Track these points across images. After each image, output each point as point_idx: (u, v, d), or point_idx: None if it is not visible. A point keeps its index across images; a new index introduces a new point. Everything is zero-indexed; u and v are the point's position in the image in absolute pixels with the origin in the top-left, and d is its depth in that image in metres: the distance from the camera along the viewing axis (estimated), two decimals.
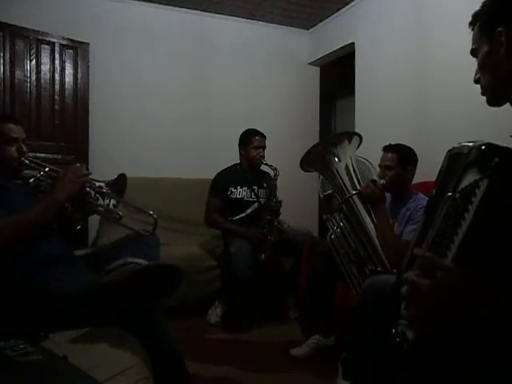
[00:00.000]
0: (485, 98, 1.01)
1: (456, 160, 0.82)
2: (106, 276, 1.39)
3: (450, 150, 0.89)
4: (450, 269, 0.73)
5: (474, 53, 1.00)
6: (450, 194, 0.77)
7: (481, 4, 0.98)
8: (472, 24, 1.00)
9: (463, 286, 0.71)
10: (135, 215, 1.93)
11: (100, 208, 1.60)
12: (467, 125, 2.55)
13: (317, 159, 2.18)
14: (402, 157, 2.13)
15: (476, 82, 1.01)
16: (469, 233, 0.73)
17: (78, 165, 1.58)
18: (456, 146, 0.86)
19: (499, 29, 0.90)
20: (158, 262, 1.48)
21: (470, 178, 0.75)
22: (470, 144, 0.78)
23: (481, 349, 0.75)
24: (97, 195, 1.58)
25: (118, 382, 1.07)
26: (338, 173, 2.10)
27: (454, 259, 0.74)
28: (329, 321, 2.32)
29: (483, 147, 0.75)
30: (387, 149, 2.18)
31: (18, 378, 0.91)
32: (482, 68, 0.98)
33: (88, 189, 1.55)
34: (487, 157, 0.73)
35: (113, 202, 1.59)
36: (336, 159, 2.11)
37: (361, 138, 2.22)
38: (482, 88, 1.00)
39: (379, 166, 2.19)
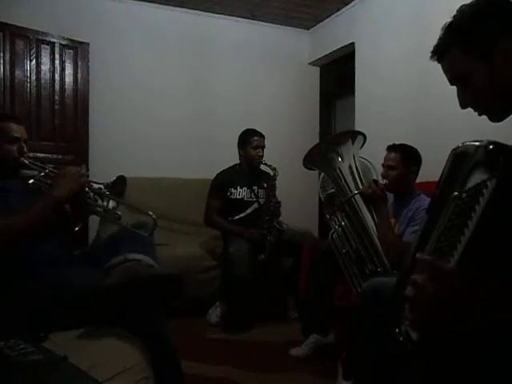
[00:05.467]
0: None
1: (461, 160, 0.81)
2: (106, 275, 1.39)
3: (454, 150, 0.87)
4: (451, 272, 0.72)
5: (461, 78, 0.98)
6: (456, 193, 0.76)
7: (441, 34, 0.99)
8: (441, 54, 1.01)
9: (466, 289, 0.70)
10: (136, 214, 1.93)
11: (99, 209, 1.59)
12: (468, 124, 2.51)
13: (320, 158, 2.17)
14: (405, 157, 2.13)
15: (464, 107, 1.00)
16: (476, 233, 0.71)
17: (78, 168, 1.58)
18: (460, 145, 0.84)
19: (499, 44, 0.91)
20: (161, 271, 1.43)
21: (477, 177, 0.73)
22: (476, 143, 0.77)
23: (481, 349, 0.75)
24: (95, 196, 1.57)
25: (118, 382, 1.07)
26: (341, 172, 2.08)
27: (461, 260, 0.73)
28: (327, 320, 2.32)
29: (491, 146, 0.73)
30: (391, 148, 2.18)
31: (18, 378, 0.91)
32: (482, 90, 0.95)
33: (87, 189, 1.55)
34: (495, 156, 0.72)
35: (112, 203, 1.58)
36: (339, 158, 2.10)
37: (365, 137, 2.21)
38: (481, 109, 0.99)
39: (382, 165, 2.19)
